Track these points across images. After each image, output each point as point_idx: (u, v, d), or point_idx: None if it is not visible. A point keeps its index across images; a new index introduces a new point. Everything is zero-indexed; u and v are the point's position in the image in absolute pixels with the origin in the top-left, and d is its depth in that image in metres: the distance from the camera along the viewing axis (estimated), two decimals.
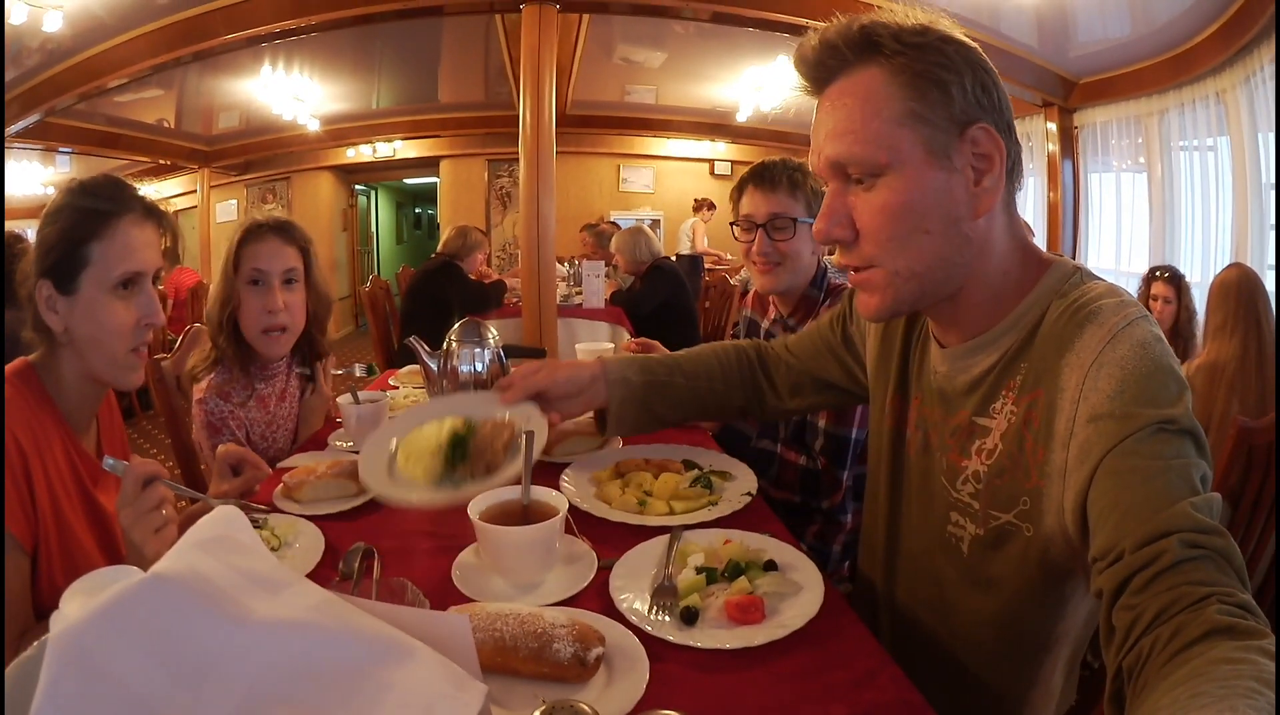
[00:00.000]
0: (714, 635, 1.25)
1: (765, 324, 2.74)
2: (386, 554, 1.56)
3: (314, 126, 11.57)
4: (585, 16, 7.81)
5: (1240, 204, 6.37)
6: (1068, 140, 8.48)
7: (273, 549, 1.59)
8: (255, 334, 2.44)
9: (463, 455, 1.59)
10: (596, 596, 1.39)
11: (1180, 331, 4.46)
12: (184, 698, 0.70)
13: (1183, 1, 5.95)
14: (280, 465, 2.12)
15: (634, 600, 1.35)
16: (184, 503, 2.02)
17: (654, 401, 1.86)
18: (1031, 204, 8.83)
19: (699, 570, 1.41)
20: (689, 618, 1.28)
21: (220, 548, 0.81)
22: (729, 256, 10.81)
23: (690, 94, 11.16)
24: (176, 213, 13.14)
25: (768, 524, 1.68)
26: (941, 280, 1.26)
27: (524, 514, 1.50)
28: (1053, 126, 8.47)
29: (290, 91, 9.92)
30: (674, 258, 7.61)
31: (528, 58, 5.81)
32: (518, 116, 5.93)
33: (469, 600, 1.37)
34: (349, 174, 14.56)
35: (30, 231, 1.73)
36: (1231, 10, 5.89)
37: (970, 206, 1.23)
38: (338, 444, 2.35)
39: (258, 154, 12.93)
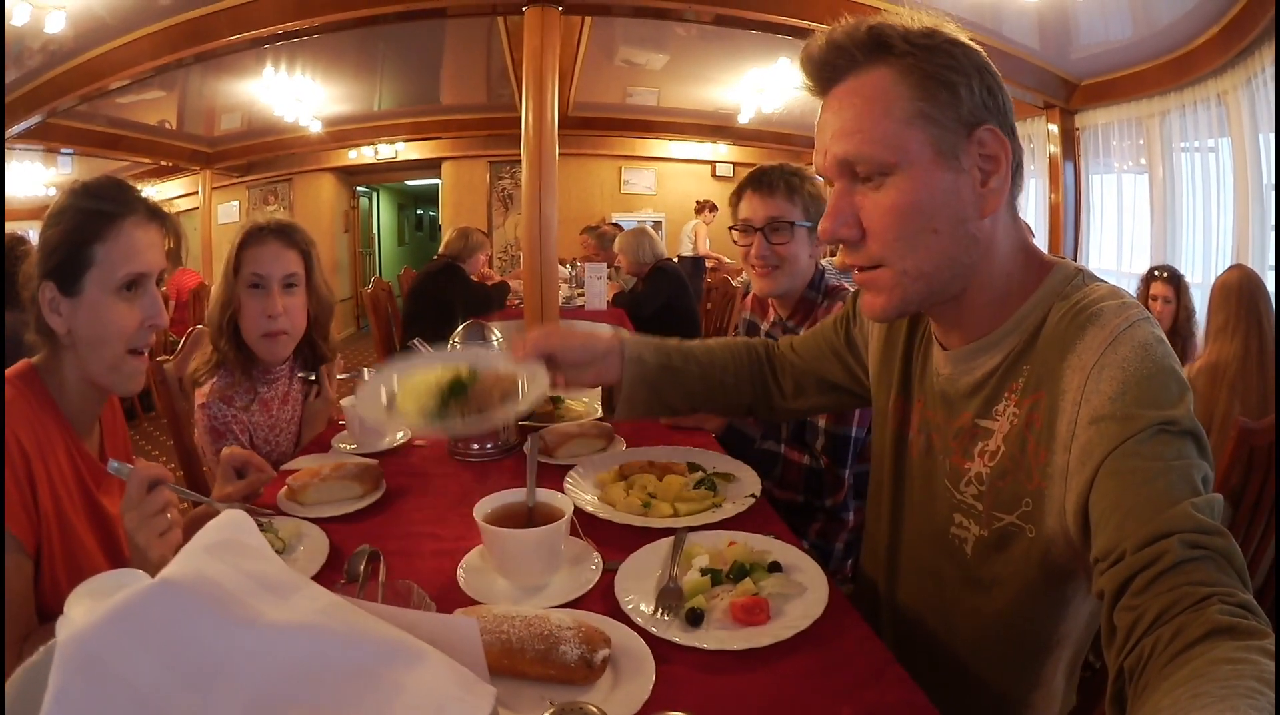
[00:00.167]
0: (719, 636, 1.26)
1: (764, 327, 2.75)
2: (391, 556, 1.56)
3: (316, 128, 11.56)
4: (587, 19, 7.81)
5: (1241, 205, 6.36)
6: (1069, 142, 8.47)
7: (277, 551, 1.57)
8: (255, 338, 2.43)
9: (458, 397, 1.59)
10: (602, 598, 1.40)
11: (1179, 330, 4.46)
12: (194, 702, 0.70)
13: (1184, 4, 5.95)
14: (284, 467, 2.12)
15: (639, 602, 1.36)
16: (188, 505, 2.02)
17: (665, 387, 1.82)
18: (1033, 205, 8.82)
19: (704, 572, 1.42)
20: (694, 619, 1.29)
21: (228, 551, 0.81)
22: (728, 260, 10.81)
23: (692, 96, 11.14)
24: (178, 214, 13.05)
25: (771, 525, 1.69)
26: (948, 280, 1.26)
27: (529, 516, 1.51)
28: (1054, 128, 8.46)
29: (292, 93, 9.91)
30: (676, 259, 7.62)
31: (530, 60, 5.81)
32: (520, 118, 5.93)
33: (474, 602, 1.37)
34: (351, 175, 14.54)
35: (33, 233, 1.73)
36: (1232, 13, 5.88)
37: (977, 207, 1.23)
38: (341, 446, 2.35)
39: (260, 155, 12.91)
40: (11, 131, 8.16)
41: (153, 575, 0.75)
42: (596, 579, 1.46)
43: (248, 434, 2.41)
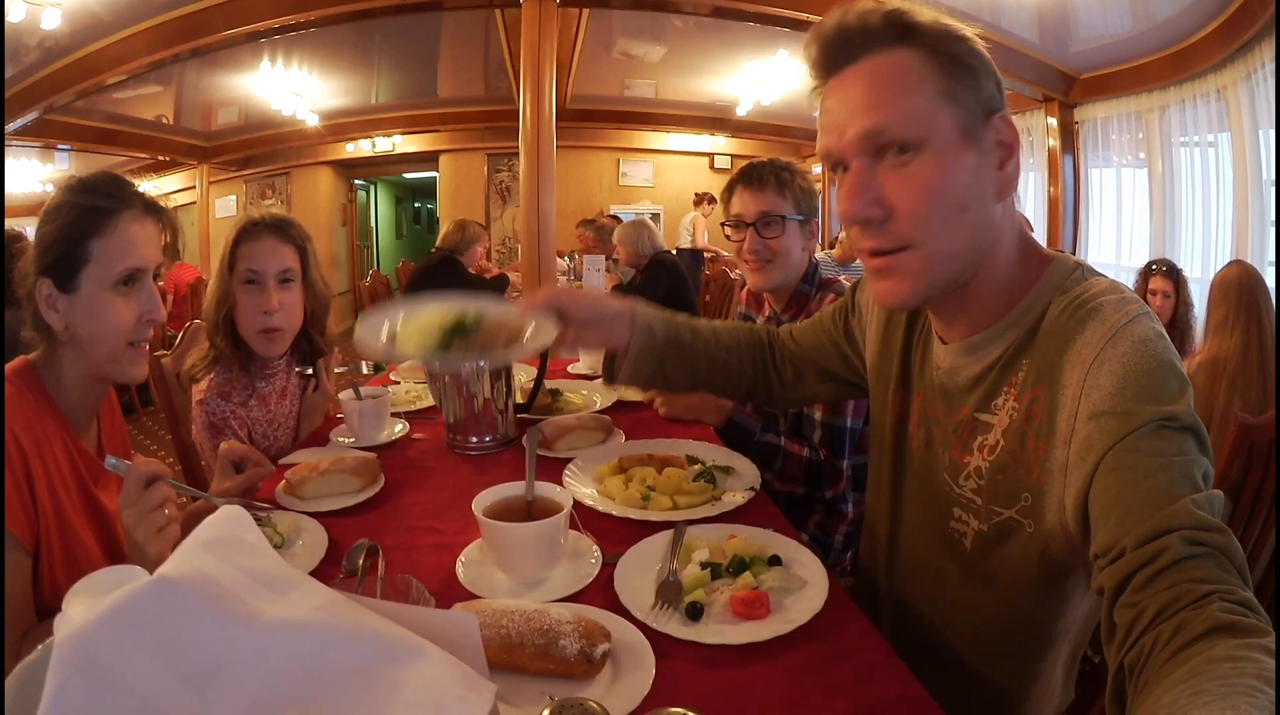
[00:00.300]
0: (719, 631, 1.26)
1: (760, 320, 2.76)
2: (390, 551, 1.56)
3: (313, 121, 11.57)
4: (585, 10, 7.80)
5: (1241, 200, 6.36)
6: (1068, 135, 8.48)
7: (276, 546, 1.59)
8: (251, 334, 2.41)
9: (461, 336, 1.62)
10: (601, 592, 1.40)
11: (1178, 323, 4.46)
12: (194, 702, 0.70)
13: None
14: (282, 462, 2.11)
15: (639, 596, 1.36)
16: (186, 501, 2.01)
17: (670, 361, 1.79)
18: (1032, 199, 8.83)
19: (704, 566, 1.42)
20: (694, 613, 1.29)
21: (227, 548, 0.80)
22: (726, 253, 10.81)
23: (690, 88, 11.14)
24: (176, 208, 13.06)
25: (771, 519, 1.69)
26: (968, 265, 1.25)
27: (528, 510, 1.51)
28: (1053, 121, 8.47)
29: (289, 87, 9.92)
30: (674, 251, 7.61)
31: (528, 52, 5.81)
32: (517, 111, 5.94)
33: (473, 597, 1.37)
34: (348, 169, 14.54)
35: (29, 229, 1.72)
36: (1233, 7, 5.88)
37: (994, 191, 1.23)
38: (340, 440, 2.34)
39: (257, 149, 12.93)
40: (8, 128, 8.17)
41: (151, 571, 0.74)
42: (596, 573, 1.46)
43: (246, 430, 2.40)
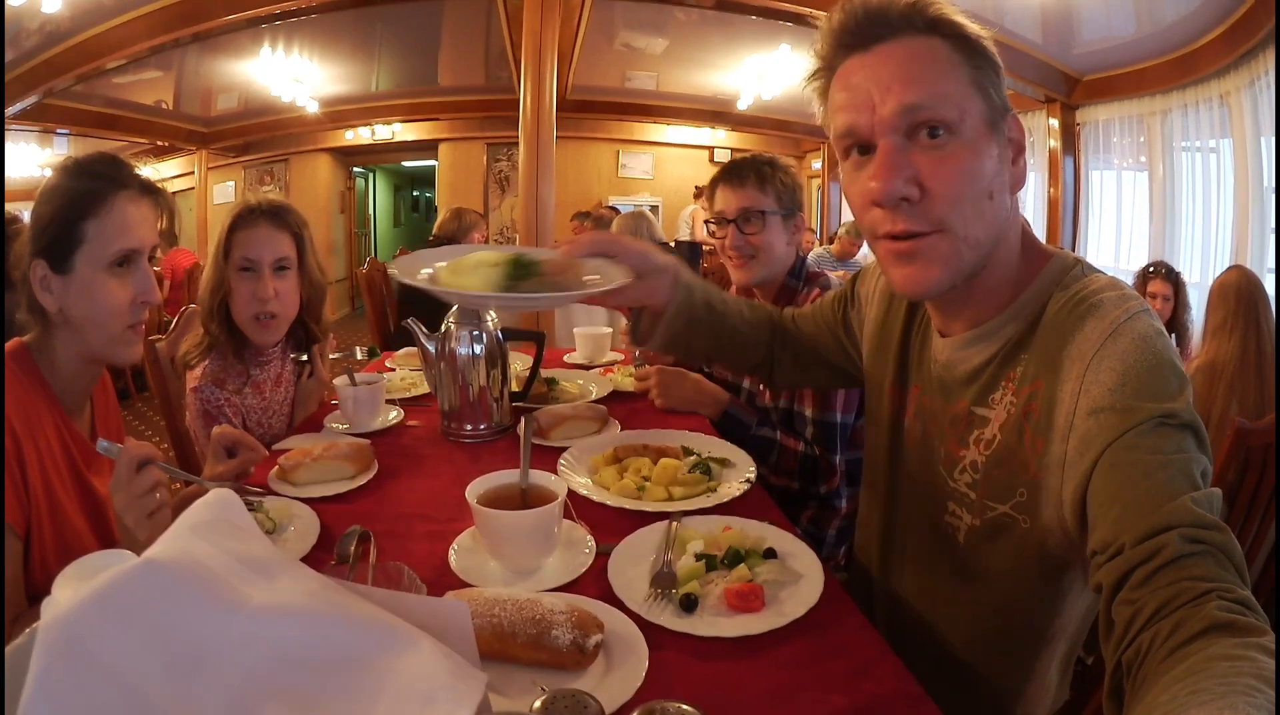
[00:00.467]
0: (713, 623, 1.25)
1: None
2: (383, 537, 1.55)
3: (313, 108, 11.55)
4: (587, 1, 7.79)
5: (1241, 207, 6.37)
6: (1069, 137, 8.48)
7: (267, 532, 1.58)
8: (246, 321, 2.40)
9: (528, 273, 1.45)
10: (595, 582, 1.39)
11: (1175, 327, 4.46)
12: (178, 688, 0.69)
13: (1188, 3, 5.95)
14: (276, 447, 2.10)
15: (633, 587, 1.35)
16: (179, 486, 2.00)
17: (701, 324, 1.74)
18: (1032, 199, 8.83)
19: (698, 557, 1.41)
20: (688, 605, 1.28)
21: (215, 532, 0.79)
22: None
23: (691, 81, 11.15)
24: (174, 194, 13.04)
25: (767, 511, 1.68)
26: (987, 254, 1.24)
27: (522, 498, 1.50)
28: (1055, 123, 8.47)
29: (289, 73, 9.90)
30: (673, 244, 7.59)
31: (529, 41, 5.80)
32: (518, 100, 5.93)
33: (466, 585, 1.36)
34: (347, 156, 14.54)
35: (26, 213, 1.71)
36: (1238, 14, 5.88)
37: (1009, 183, 1.24)
38: (334, 426, 2.34)
39: (256, 136, 12.91)
40: (8, 112, 8.13)
41: (141, 555, 0.73)
42: (590, 563, 1.45)
43: (240, 417, 2.39)
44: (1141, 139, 7.78)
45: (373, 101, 12.33)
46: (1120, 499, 1.00)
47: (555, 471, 1.71)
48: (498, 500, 1.47)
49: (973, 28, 1.22)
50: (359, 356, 3.16)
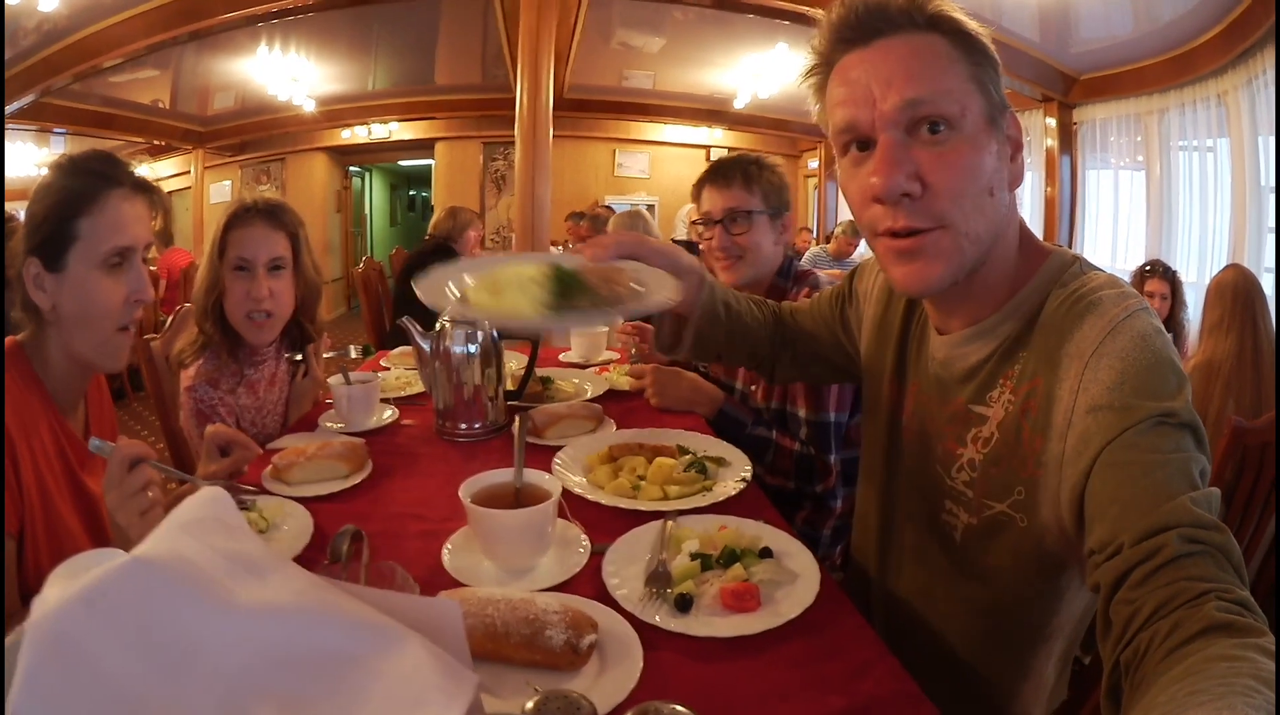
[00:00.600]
0: (709, 623, 1.24)
1: None
2: (376, 537, 1.54)
3: (309, 107, 11.56)
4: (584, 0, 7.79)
5: (1239, 206, 6.38)
6: (1066, 136, 8.49)
7: (260, 531, 1.58)
8: (240, 320, 2.39)
9: (574, 287, 1.33)
10: (589, 582, 1.38)
11: (1172, 325, 4.46)
12: (168, 687, 0.68)
13: (1186, 2, 5.95)
14: (270, 446, 2.09)
15: (627, 586, 1.34)
16: (173, 485, 2.00)
17: (717, 322, 1.71)
18: (1028, 199, 8.85)
19: (693, 557, 1.40)
20: (683, 605, 1.27)
21: (205, 530, 0.79)
22: None
23: (688, 80, 11.16)
24: (170, 193, 13.11)
25: (762, 510, 1.67)
26: (987, 250, 1.24)
27: (516, 497, 1.49)
28: (1052, 122, 8.48)
29: (286, 72, 9.90)
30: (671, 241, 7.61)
31: (526, 40, 5.80)
32: (514, 99, 5.92)
33: (459, 585, 1.36)
34: (344, 155, 14.54)
35: (22, 212, 1.70)
36: (1235, 13, 5.89)
37: (1008, 179, 1.23)
38: (328, 425, 2.32)
39: (253, 135, 12.93)
40: (5, 111, 8.12)
41: None
42: (584, 562, 1.44)
43: (234, 417, 2.37)
44: (1139, 138, 7.80)
45: (369, 100, 12.34)
46: (1119, 498, 1.00)
47: (550, 470, 1.71)
48: (491, 499, 1.46)
49: (972, 24, 1.22)
50: (354, 355, 3.15)
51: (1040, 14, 6.66)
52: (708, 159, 13.56)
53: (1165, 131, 7.35)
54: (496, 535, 1.41)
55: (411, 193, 21.47)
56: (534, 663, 1.11)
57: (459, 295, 1.37)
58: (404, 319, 2.25)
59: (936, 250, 1.20)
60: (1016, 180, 1.25)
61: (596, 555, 1.45)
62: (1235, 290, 3.51)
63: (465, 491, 1.45)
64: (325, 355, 2.74)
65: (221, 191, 13.25)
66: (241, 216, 2.39)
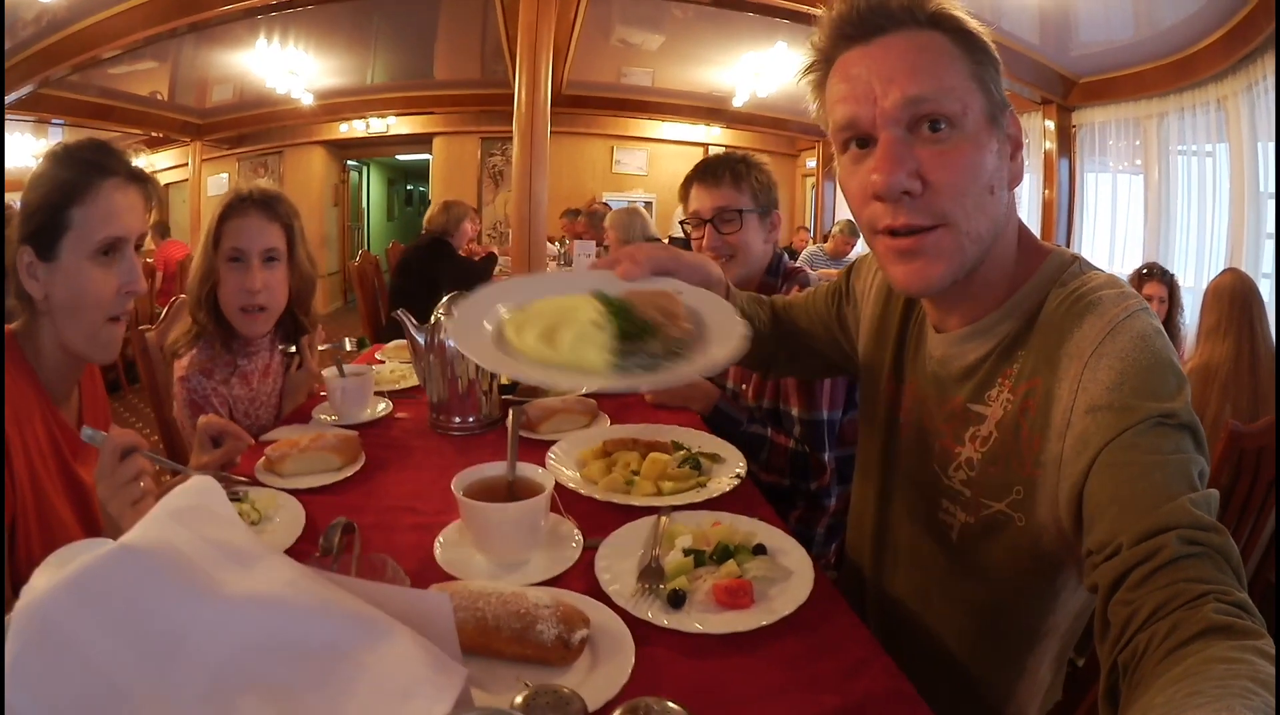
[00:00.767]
0: (701, 619, 1.23)
1: None
2: (368, 529, 1.54)
3: (308, 101, 11.54)
4: None
5: (1237, 211, 6.38)
6: (1065, 139, 8.49)
7: (253, 523, 1.57)
8: (233, 311, 2.38)
9: (636, 328, 1.20)
10: (581, 577, 1.37)
11: (1169, 326, 4.47)
12: (153, 675, 0.68)
13: (1187, 7, 5.95)
14: (263, 438, 2.09)
15: (620, 582, 1.34)
16: (166, 476, 1.99)
17: None
18: (1026, 201, 8.84)
19: (687, 552, 1.39)
20: (676, 601, 1.26)
21: (193, 518, 0.78)
22: None
23: (687, 78, 11.16)
24: (168, 186, 13.10)
25: (757, 507, 1.67)
26: (987, 249, 1.23)
27: (509, 491, 1.48)
28: (1050, 124, 8.48)
29: (285, 65, 9.88)
30: (667, 241, 7.60)
31: (525, 36, 5.79)
32: (513, 95, 5.92)
33: (451, 578, 1.35)
34: (341, 149, 14.51)
35: (19, 203, 1.70)
36: (1237, 18, 5.89)
37: (1008, 179, 1.23)
38: (322, 417, 2.32)
39: (251, 128, 12.90)
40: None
41: None
42: (576, 557, 1.44)
43: (227, 407, 2.37)
44: (1138, 142, 7.81)
45: (368, 94, 12.32)
46: (1118, 499, 1.00)
47: (544, 465, 1.70)
48: (484, 492, 1.45)
49: (973, 23, 1.21)
50: (348, 348, 3.14)
51: (1040, 16, 6.66)
52: (706, 157, 13.56)
53: (1164, 136, 7.36)
54: (489, 529, 1.40)
55: (409, 187, 21.46)
56: (525, 657, 1.10)
57: (498, 337, 1.23)
58: (399, 312, 2.24)
59: (937, 249, 1.20)
60: (1016, 179, 1.25)
61: (589, 550, 1.44)
62: (1233, 294, 3.52)
63: (458, 485, 1.44)
64: (320, 347, 2.73)
65: (219, 184, 13.21)
66: (237, 207, 2.38)
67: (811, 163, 13.84)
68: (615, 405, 2.38)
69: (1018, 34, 7.16)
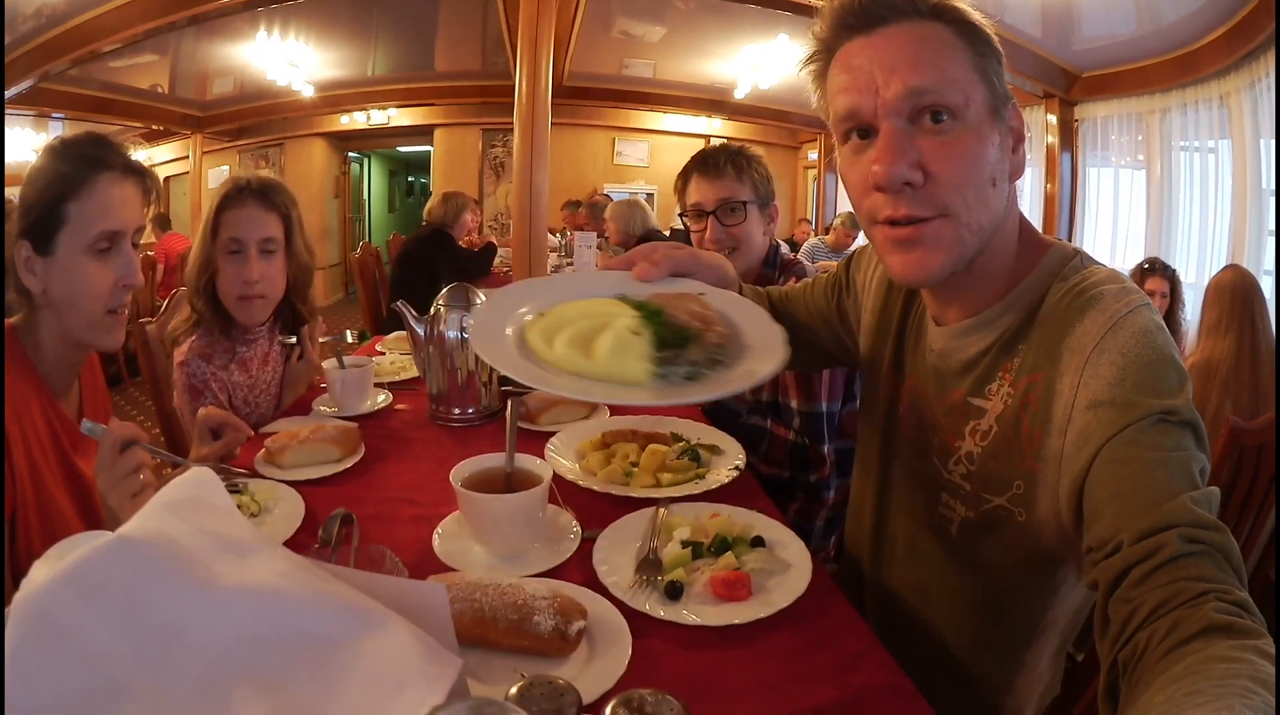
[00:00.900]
0: (699, 611, 1.23)
1: None
2: (367, 521, 1.54)
3: (308, 93, 11.51)
4: None
5: (1239, 208, 6.37)
6: (1067, 133, 8.48)
7: (252, 514, 1.57)
8: (232, 301, 2.40)
9: (677, 337, 1.17)
10: (579, 569, 1.37)
11: (1170, 321, 4.46)
12: (149, 666, 0.68)
13: (1189, 3, 5.94)
14: (263, 430, 2.09)
15: (617, 573, 1.33)
16: (167, 469, 1.99)
17: None
18: (1028, 195, 8.83)
19: (685, 544, 1.39)
20: (674, 593, 1.26)
21: (191, 509, 0.78)
22: None
23: (688, 69, 11.13)
24: (168, 179, 13.10)
25: (755, 500, 1.66)
26: (988, 239, 1.23)
27: (507, 482, 1.48)
28: (1053, 118, 8.46)
29: (285, 57, 9.85)
30: (668, 233, 7.59)
31: (526, 27, 5.77)
32: (514, 86, 5.90)
33: (449, 570, 1.35)
34: (342, 141, 14.50)
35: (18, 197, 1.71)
36: (1239, 15, 5.88)
37: (1009, 171, 1.23)
38: (322, 409, 2.32)
39: (251, 120, 12.89)
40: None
41: None
42: (574, 548, 1.43)
43: (226, 393, 2.38)
44: (1140, 137, 7.79)
45: (369, 86, 12.29)
46: (1119, 495, 0.99)
47: (542, 456, 1.70)
48: (482, 483, 1.45)
49: (975, 15, 1.21)
50: (350, 340, 3.14)
51: (1043, 10, 6.65)
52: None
53: (1167, 131, 7.34)
54: (487, 520, 1.40)
55: (410, 179, 21.44)
56: (522, 649, 1.10)
57: (520, 343, 1.19)
58: (399, 303, 2.24)
59: (937, 239, 1.19)
60: (1018, 171, 1.25)
61: (587, 542, 1.44)
62: (1234, 291, 3.52)
63: (456, 476, 1.44)
64: (321, 339, 2.74)
65: (220, 176, 13.17)
66: (235, 196, 2.40)
67: (813, 155, 13.83)
68: None
69: (1020, 28, 7.15)
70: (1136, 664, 0.86)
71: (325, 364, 2.32)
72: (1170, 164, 7.37)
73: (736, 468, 1.79)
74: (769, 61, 9.78)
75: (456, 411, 2.19)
